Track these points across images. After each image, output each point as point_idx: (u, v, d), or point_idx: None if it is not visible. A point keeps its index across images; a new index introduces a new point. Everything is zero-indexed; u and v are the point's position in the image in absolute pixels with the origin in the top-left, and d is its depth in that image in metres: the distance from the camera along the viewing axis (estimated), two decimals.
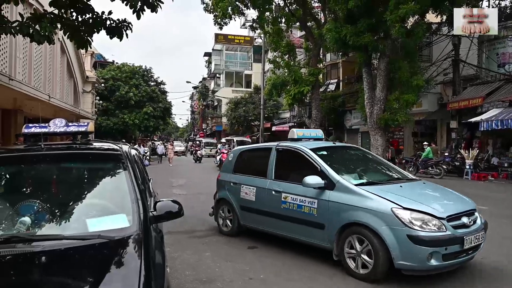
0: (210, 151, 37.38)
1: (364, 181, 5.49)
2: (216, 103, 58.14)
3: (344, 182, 5.25)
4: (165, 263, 2.90)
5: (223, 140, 30.41)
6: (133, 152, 3.90)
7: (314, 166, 5.64)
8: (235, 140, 31.95)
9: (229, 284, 4.86)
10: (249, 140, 35.73)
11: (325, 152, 6.10)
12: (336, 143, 7.38)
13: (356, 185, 5.20)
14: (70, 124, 3.71)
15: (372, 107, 16.33)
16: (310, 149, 5.95)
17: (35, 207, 2.82)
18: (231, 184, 7.13)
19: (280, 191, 6.00)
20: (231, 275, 5.14)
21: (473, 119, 17.11)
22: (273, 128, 38.01)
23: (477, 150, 17.73)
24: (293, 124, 33.02)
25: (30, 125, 3.63)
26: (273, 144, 6.83)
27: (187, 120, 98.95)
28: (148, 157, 23.93)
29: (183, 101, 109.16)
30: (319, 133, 7.34)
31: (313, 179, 5.32)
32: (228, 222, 7.22)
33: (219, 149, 25.54)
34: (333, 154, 6.43)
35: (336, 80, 28.67)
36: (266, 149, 6.88)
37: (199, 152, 32.87)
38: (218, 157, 24.27)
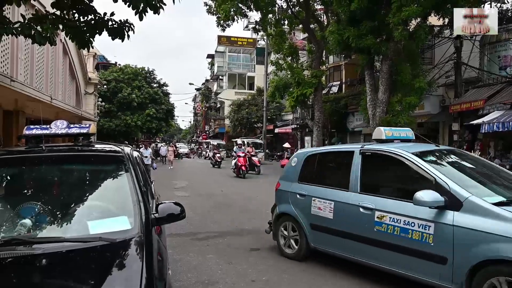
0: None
1: (503, 199, 4.05)
2: (218, 105, 58.13)
3: (476, 200, 3.91)
4: (167, 266, 2.88)
5: (239, 141, 26.59)
6: (135, 154, 3.88)
7: (424, 177, 4.39)
8: (245, 142, 31.20)
9: (232, 287, 4.84)
10: (261, 141, 35.60)
11: (433, 158, 4.81)
12: (440, 146, 5.96)
13: (494, 204, 3.88)
14: (71, 125, 3.69)
15: (374, 109, 16.30)
16: (414, 154, 4.65)
17: (36, 209, 2.80)
18: (297, 196, 5.87)
19: (371, 208, 4.71)
20: (234, 277, 5.12)
21: (474, 122, 17.02)
22: (276, 130, 38.02)
23: (479, 152, 17.66)
24: (296, 126, 33.02)
25: (32, 126, 3.61)
26: (356, 146, 5.47)
27: (190, 122, 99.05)
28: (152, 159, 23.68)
29: (186, 103, 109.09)
30: (410, 133, 5.95)
31: (429, 195, 4.02)
32: (293, 242, 5.96)
33: (235, 152, 22.49)
34: (443, 160, 4.99)
35: (338, 82, 28.63)
36: (345, 152, 5.71)
37: (218, 155, 28.64)
38: (233, 161, 21.67)
